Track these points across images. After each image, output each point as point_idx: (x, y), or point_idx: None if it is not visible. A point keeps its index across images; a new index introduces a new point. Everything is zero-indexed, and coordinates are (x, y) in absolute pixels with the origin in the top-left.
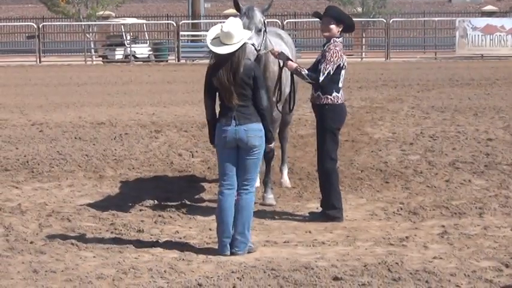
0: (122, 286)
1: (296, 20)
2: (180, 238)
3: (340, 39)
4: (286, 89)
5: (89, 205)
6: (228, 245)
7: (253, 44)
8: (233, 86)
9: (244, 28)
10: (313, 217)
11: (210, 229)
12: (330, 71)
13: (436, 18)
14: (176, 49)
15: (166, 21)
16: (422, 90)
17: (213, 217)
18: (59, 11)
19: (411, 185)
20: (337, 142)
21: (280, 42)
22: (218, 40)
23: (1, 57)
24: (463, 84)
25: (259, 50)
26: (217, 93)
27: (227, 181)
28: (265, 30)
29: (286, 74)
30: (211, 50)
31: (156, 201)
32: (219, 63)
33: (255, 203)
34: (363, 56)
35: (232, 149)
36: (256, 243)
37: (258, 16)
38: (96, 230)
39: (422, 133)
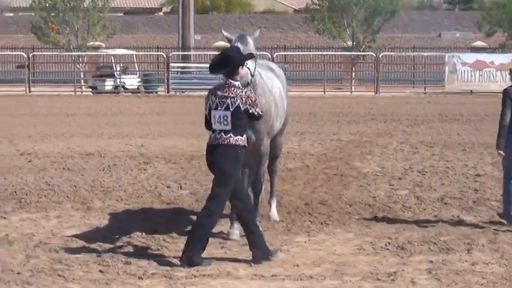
0: None
1: (286, 53)
2: (168, 270)
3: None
4: (277, 124)
5: (77, 236)
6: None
7: (249, 68)
8: None
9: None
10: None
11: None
12: None
13: (426, 53)
14: (166, 81)
15: (157, 53)
16: (411, 125)
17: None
18: (49, 41)
19: (399, 220)
20: None
21: (272, 76)
22: None
23: None
24: (452, 120)
25: (253, 75)
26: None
27: None
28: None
29: (276, 109)
30: None
31: (143, 233)
32: None
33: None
34: (353, 89)
35: None
36: (244, 276)
37: (252, 43)
38: (84, 262)
39: (411, 168)
